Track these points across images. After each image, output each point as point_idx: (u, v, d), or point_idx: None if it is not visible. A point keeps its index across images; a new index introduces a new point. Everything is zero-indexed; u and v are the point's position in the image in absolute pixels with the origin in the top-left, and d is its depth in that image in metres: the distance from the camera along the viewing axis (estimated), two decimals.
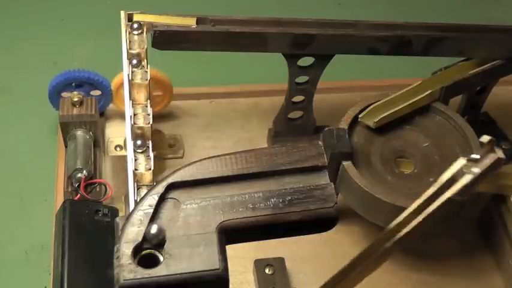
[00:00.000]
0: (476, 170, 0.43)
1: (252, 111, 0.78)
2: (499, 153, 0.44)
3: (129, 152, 0.57)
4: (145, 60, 0.60)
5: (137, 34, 0.61)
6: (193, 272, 0.39)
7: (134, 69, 0.60)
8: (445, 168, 0.60)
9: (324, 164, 0.44)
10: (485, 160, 0.43)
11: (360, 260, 0.44)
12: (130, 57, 0.60)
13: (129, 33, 0.61)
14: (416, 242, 0.64)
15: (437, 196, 0.43)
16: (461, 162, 0.43)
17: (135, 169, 0.57)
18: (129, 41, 0.61)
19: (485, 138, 0.44)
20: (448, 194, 0.43)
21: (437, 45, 0.65)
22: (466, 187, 0.43)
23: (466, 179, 0.43)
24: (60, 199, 0.64)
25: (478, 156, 0.44)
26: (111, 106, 0.74)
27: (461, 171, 0.43)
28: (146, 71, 0.60)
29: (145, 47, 0.61)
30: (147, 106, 0.60)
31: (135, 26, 0.61)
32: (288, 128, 0.72)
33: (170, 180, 0.42)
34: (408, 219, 0.43)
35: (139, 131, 0.58)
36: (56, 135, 0.72)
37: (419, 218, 0.43)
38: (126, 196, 0.60)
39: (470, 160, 0.43)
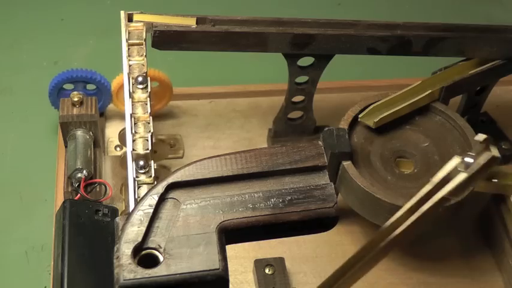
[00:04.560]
0: (471, 168, 0.42)
1: (252, 111, 0.78)
2: (494, 152, 0.43)
3: (128, 146, 0.57)
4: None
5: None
6: (193, 272, 0.39)
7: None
8: None
9: (324, 164, 0.44)
10: (480, 158, 0.43)
11: (357, 258, 0.44)
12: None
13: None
14: (416, 242, 0.64)
15: (431, 195, 0.43)
16: (456, 160, 0.43)
17: (133, 112, 0.57)
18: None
19: (480, 136, 0.43)
20: (442, 193, 0.42)
21: (437, 45, 0.65)
22: (460, 186, 0.42)
23: (460, 178, 0.42)
24: (60, 199, 0.64)
25: (473, 155, 0.43)
26: (111, 106, 0.74)
27: (455, 170, 0.43)
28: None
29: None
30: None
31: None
32: (288, 128, 0.72)
33: (170, 180, 0.42)
34: (403, 218, 0.43)
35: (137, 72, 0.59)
36: (56, 135, 0.72)
37: (413, 217, 0.43)
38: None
39: (465, 158, 0.43)
